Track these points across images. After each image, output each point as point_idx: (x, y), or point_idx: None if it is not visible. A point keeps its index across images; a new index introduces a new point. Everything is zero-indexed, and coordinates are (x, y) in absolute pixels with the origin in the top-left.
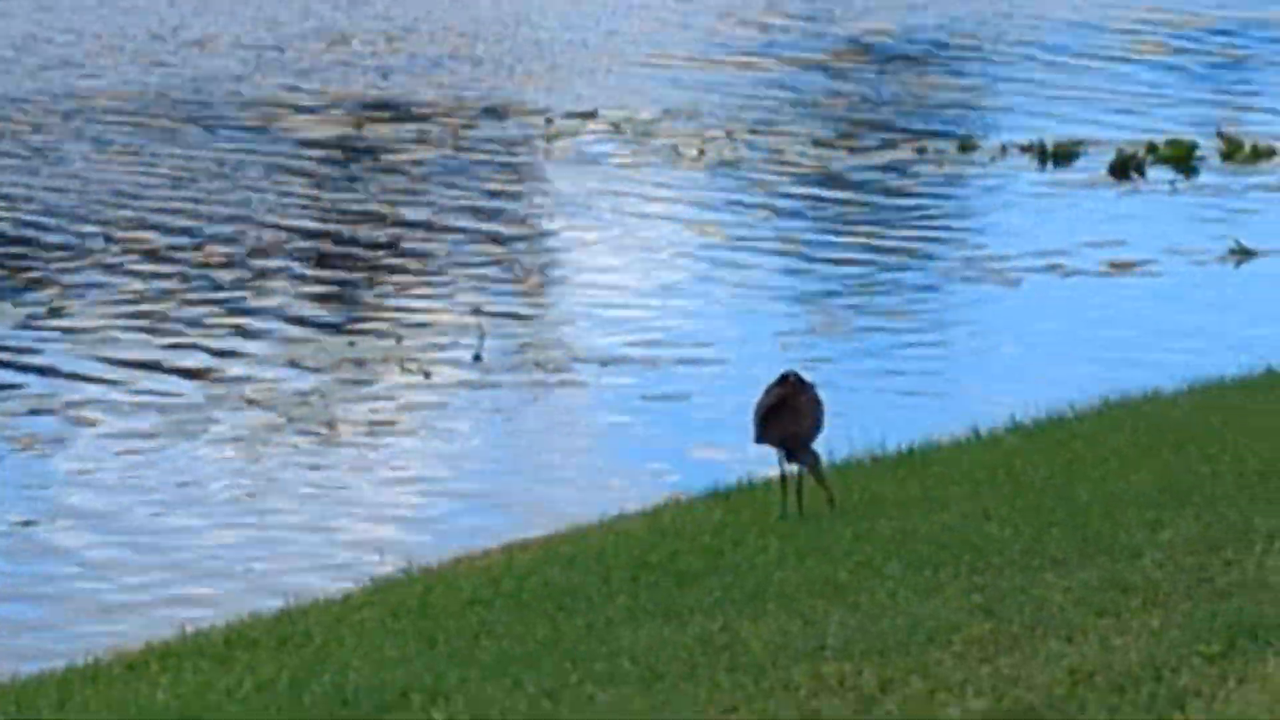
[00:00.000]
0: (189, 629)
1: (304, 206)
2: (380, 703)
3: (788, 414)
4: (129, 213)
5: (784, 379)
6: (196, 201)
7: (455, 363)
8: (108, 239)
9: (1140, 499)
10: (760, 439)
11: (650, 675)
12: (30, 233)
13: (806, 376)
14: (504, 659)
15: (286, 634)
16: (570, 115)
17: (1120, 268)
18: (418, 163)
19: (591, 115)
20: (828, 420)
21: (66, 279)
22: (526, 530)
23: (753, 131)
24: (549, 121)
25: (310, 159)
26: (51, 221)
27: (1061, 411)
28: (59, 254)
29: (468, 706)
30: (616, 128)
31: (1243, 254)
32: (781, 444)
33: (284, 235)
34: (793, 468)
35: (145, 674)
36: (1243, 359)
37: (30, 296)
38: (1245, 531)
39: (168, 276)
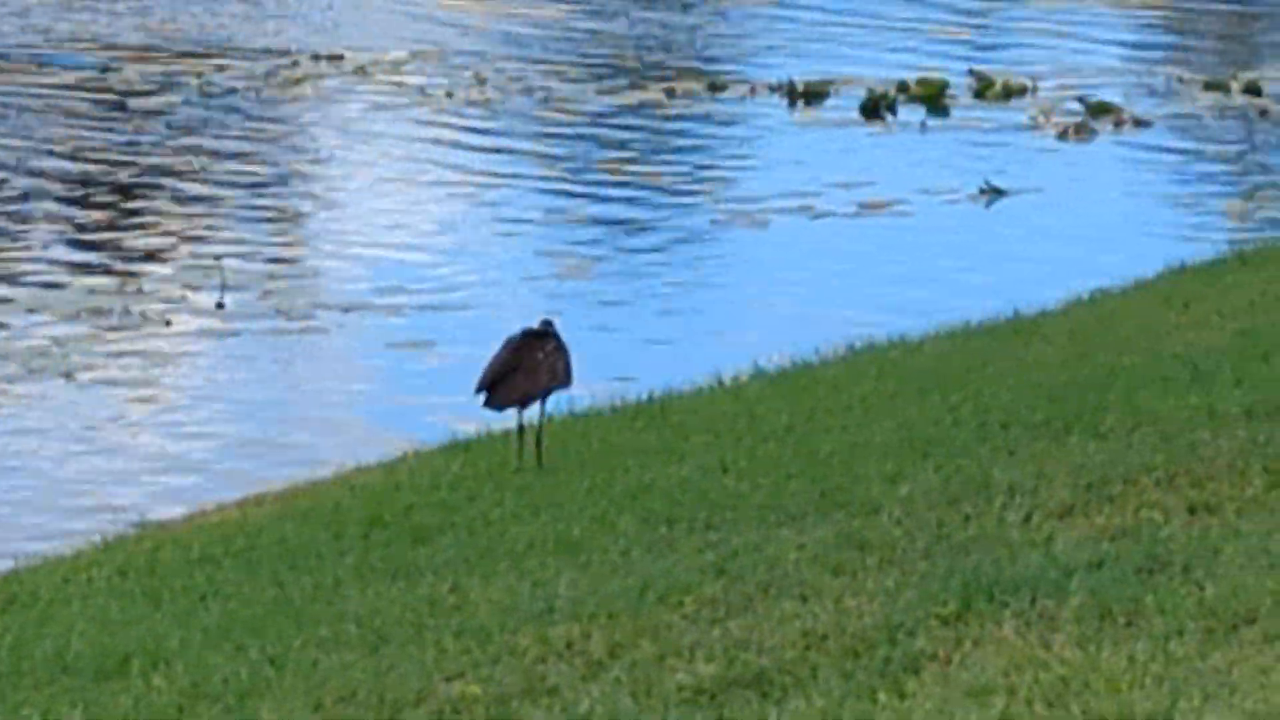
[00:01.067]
0: None
1: (44, 153)
2: (101, 668)
3: (519, 376)
4: None
5: (522, 336)
6: None
7: (197, 310)
8: None
9: (881, 450)
10: (486, 404)
11: (376, 639)
12: None
13: (554, 323)
14: (229, 622)
15: (14, 594)
16: (316, 57)
17: (871, 208)
18: (162, 108)
19: (338, 58)
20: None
21: None
22: (266, 482)
23: (501, 73)
24: (295, 64)
25: (52, 104)
26: None
27: (807, 358)
28: None
29: (189, 672)
30: (363, 70)
31: (993, 193)
32: (511, 406)
33: (22, 182)
34: (532, 418)
35: None
36: (990, 303)
37: None
38: (985, 484)
39: None
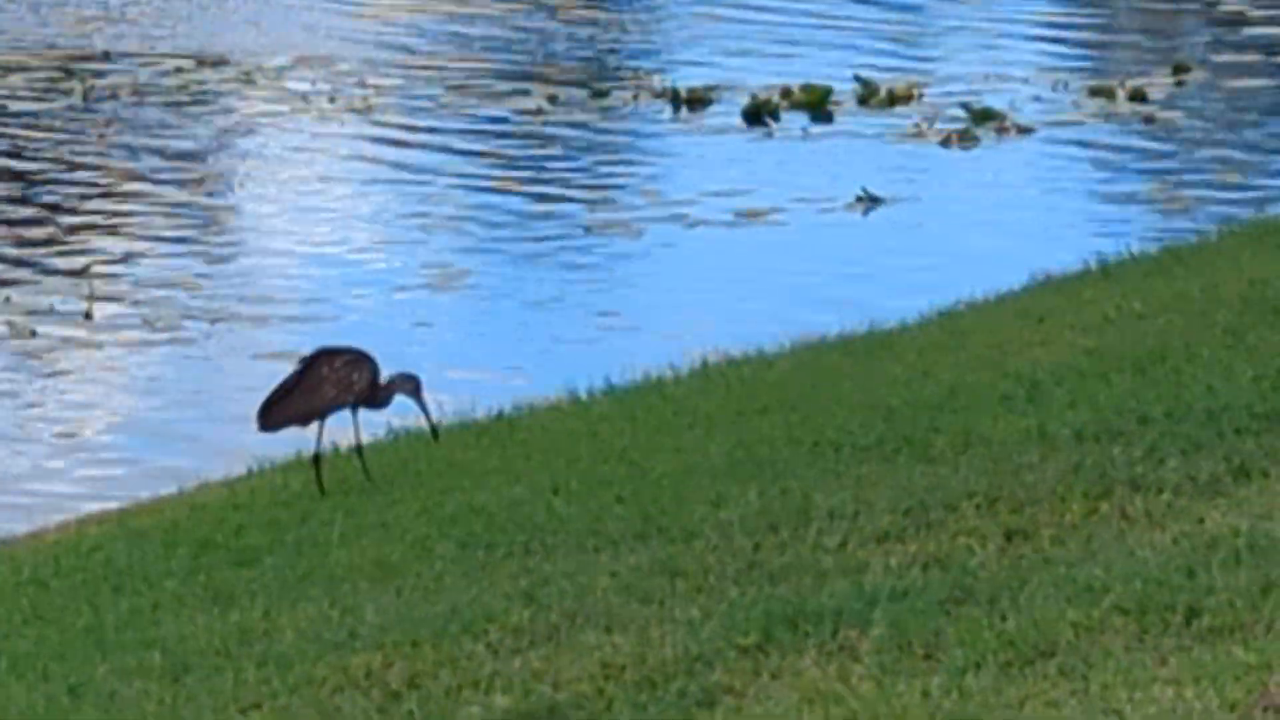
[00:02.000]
0: None
1: None
2: None
3: (295, 395)
4: None
5: (312, 354)
6: None
7: (63, 321)
8: None
9: (712, 472)
10: (262, 428)
11: (179, 668)
12: None
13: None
14: (40, 648)
15: None
16: (200, 63)
17: (747, 216)
18: (38, 113)
19: (223, 63)
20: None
21: None
22: (124, 497)
23: (385, 78)
24: (178, 70)
25: None
26: None
27: (661, 373)
28: None
29: None
30: (247, 75)
31: (870, 201)
32: (286, 425)
33: None
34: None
35: None
36: (849, 315)
37: None
38: (805, 509)
39: None
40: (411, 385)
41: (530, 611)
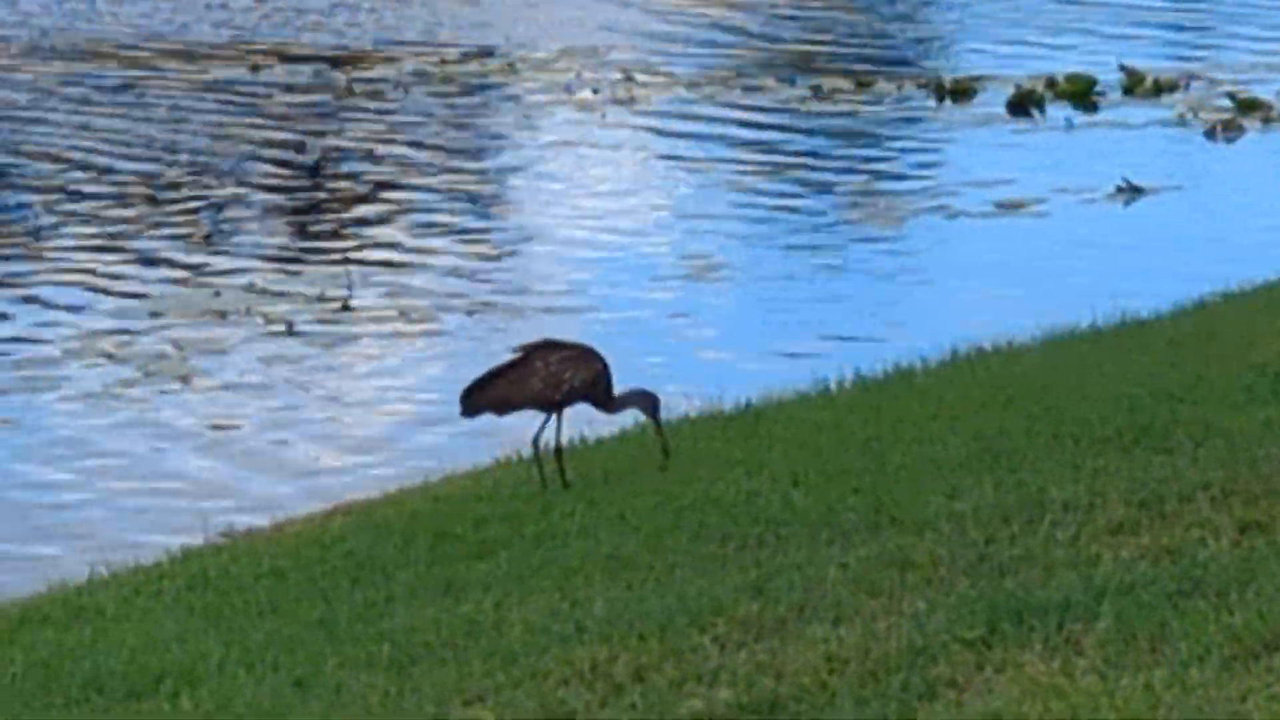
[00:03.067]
0: None
1: (173, 152)
2: (133, 688)
3: (501, 381)
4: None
5: (535, 345)
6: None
7: (322, 311)
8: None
9: (949, 463)
10: (463, 411)
11: (406, 660)
12: None
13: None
14: (271, 640)
15: (82, 607)
16: (466, 55)
17: (1007, 207)
18: (303, 106)
19: (487, 55)
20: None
21: None
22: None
23: (649, 70)
24: (442, 62)
25: (185, 107)
26: None
27: (910, 364)
28: None
29: (216, 694)
30: (511, 67)
31: (1131, 191)
32: (484, 411)
33: (148, 183)
34: (550, 438)
35: None
36: (1104, 305)
37: None
38: (1040, 501)
39: (23, 224)
40: (649, 403)
41: (758, 604)
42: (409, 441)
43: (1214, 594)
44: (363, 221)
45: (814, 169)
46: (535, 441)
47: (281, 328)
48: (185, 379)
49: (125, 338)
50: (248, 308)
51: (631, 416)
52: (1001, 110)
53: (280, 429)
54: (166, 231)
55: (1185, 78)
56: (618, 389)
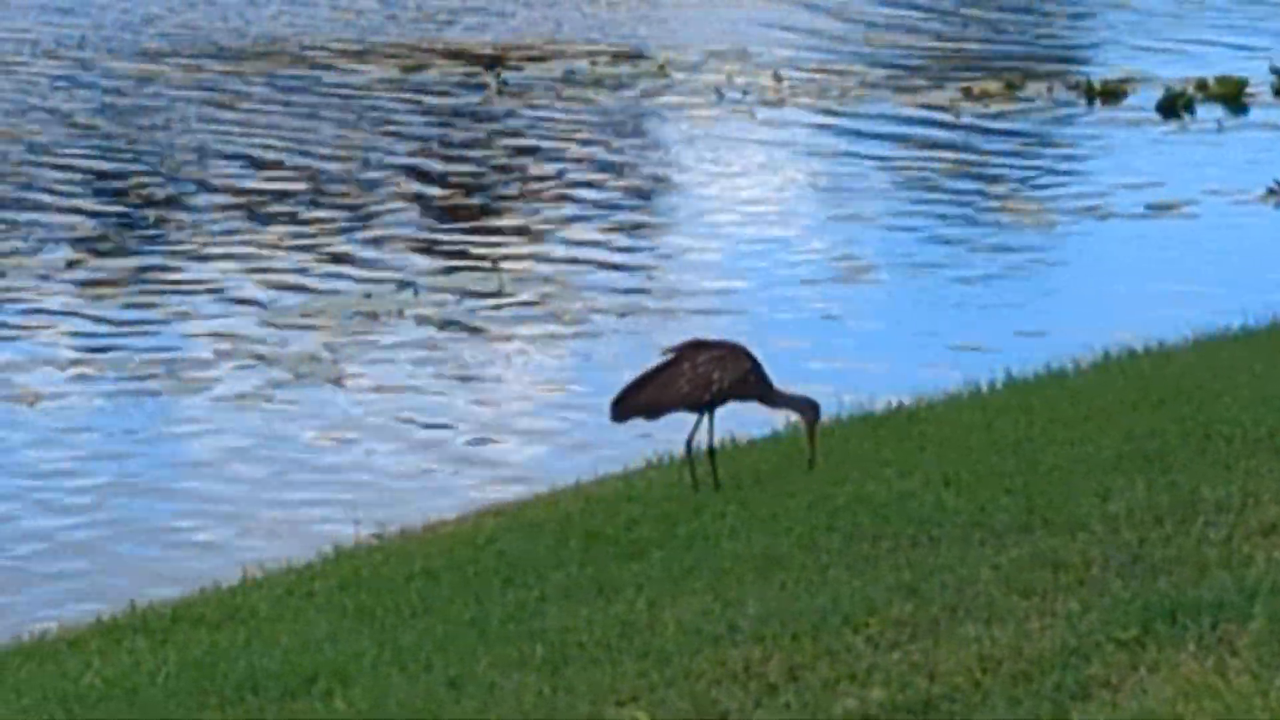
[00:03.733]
0: (138, 603)
1: (324, 155)
2: (287, 688)
3: (649, 386)
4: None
5: (683, 346)
6: (210, 154)
7: (473, 314)
8: (154, 201)
9: (1101, 464)
10: (614, 417)
11: (560, 660)
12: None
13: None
14: (424, 640)
15: (236, 607)
16: (616, 56)
17: (1158, 209)
18: (455, 108)
19: (636, 57)
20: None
21: (79, 233)
22: (520, 492)
23: (798, 72)
24: (593, 64)
25: (334, 106)
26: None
27: (1062, 365)
28: (74, 209)
29: (369, 694)
30: (661, 69)
31: None
32: (634, 416)
33: (298, 184)
34: (702, 439)
35: (83, 652)
36: (1255, 307)
37: (48, 254)
38: (1192, 502)
39: (177, 228)
40: (810, 412)
41: (911, 604)
42: (561, 442)
43: None
44: (513, 223)
45: (965, 171)
46: (689, 443)
47: (433, 329)
48: (337, 380)
49: (276, 339)
50: (399, 309)
51: (784, 418)
52: (1151, 112)
53: (432, 430)
54: (315, 232)
55: None
56: (781, 389)
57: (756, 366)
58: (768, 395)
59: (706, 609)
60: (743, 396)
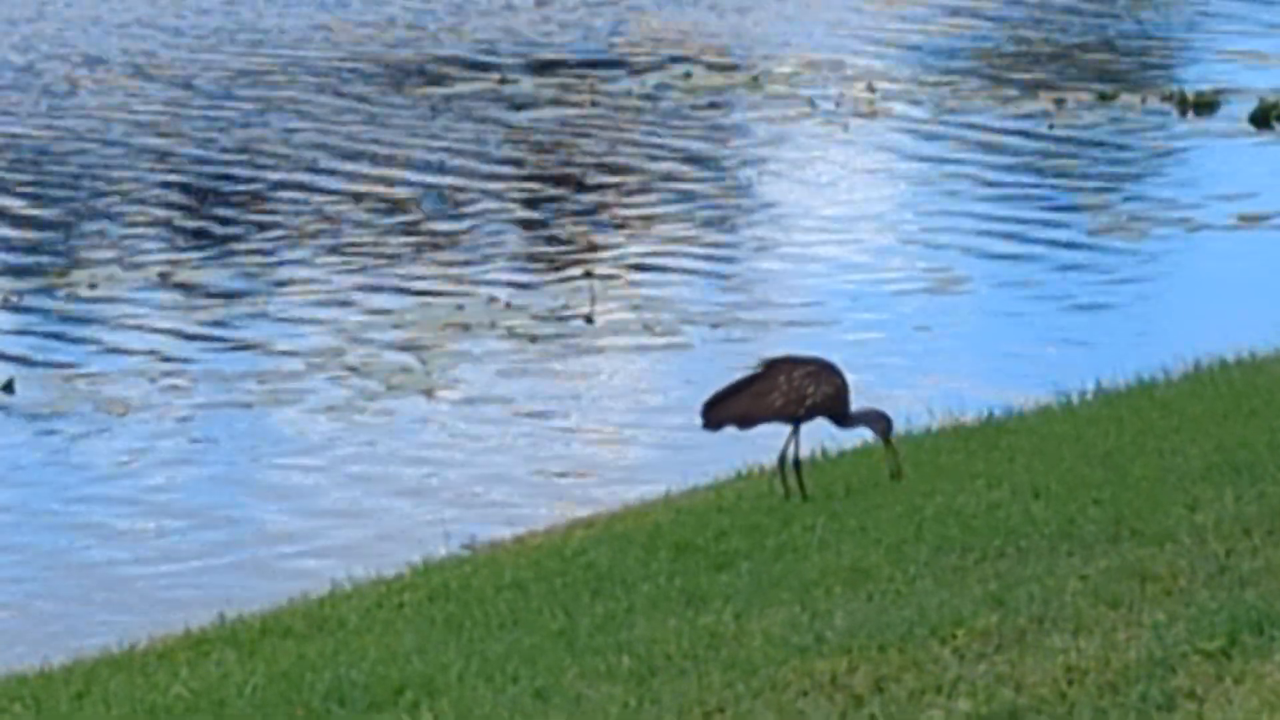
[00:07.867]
0: (227, 614)
1: (416, 167)
2: (374, 700)
3: (743, 396)
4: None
5: (776, 360)
6: (306, 166)
7: (564, 326)
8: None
9: (1191, 475)
10: (704, 425)
11: (647, 671)
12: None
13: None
14: (511, 652)
15: (324, 619)
16: (710, 68)
17: (1249, 220)
18: (552, 120)
19: (731, 68)
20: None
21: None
22: (609, 504)
23: (892, 83)
24: (688, 75)
25: (431, 120)
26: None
27: (1152, 376)
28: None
29: (456, 705)
30: (755, 80)
31: None
32: (725, 425)
33: (391, 197)
34: (791, 451)
35: (172, 664)
36: None
37: (147, 262)
38: None
39: (269, 239)
40: (883, 425)
41: (998, 615)
42: (650, 454)
43: None
44: (604, 234)
45: (1056, 182)
46: (781, 455)
47: (524, 340)
48: (428, 391)
49: (368, 351)
50: (491, 321)
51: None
52: (1244, 124)
53: (522, 441)
54: (408, 244)
55: None
56: (854, 407)
57: (845, 385)
58: (847, 418)
59: (794, 620)
60: (828, 413)
